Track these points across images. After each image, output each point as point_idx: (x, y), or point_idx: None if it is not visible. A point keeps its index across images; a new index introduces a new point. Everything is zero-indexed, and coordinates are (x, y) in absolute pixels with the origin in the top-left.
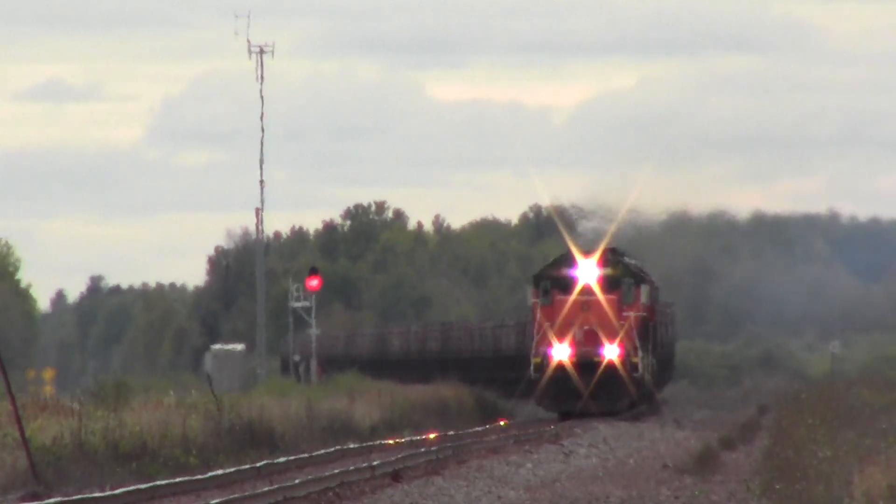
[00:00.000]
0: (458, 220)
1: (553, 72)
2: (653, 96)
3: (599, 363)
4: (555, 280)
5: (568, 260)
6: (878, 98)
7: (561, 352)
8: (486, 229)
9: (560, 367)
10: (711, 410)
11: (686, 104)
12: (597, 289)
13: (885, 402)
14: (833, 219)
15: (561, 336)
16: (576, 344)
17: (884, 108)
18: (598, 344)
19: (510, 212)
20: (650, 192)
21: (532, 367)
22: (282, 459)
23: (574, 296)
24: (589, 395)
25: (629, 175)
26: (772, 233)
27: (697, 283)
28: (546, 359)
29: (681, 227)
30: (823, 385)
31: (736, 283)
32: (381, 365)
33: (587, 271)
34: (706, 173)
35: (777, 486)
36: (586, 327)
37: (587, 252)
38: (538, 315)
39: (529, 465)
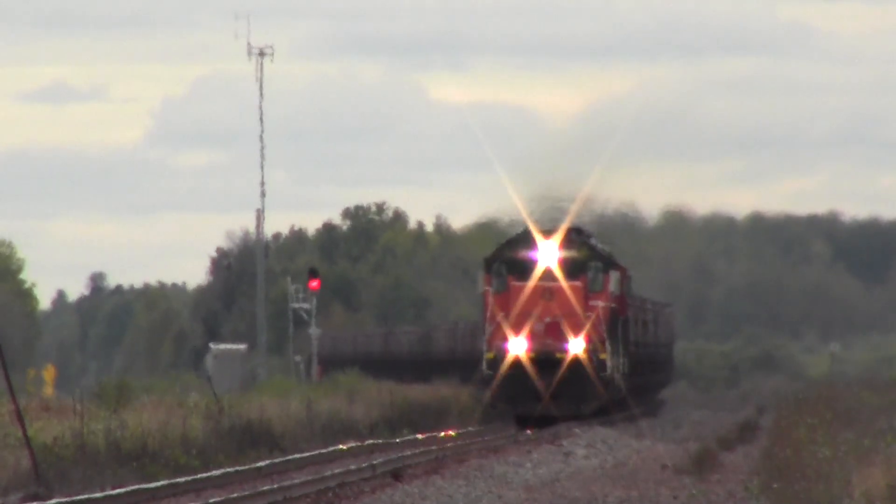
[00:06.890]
0: (458, 221)
1: (554, 73)
2: (654, 97)
3: (562, 359)
4: (510, 263)
5: (525, 240)
6: (878, 98)
7: (517, 346)
8: (486, 230)
9: (516, 364)
10: (710, 411)
11: (687, 105)
12: (559, 273)
13: (884, 402)
14: (833, 219)
15: (517, 328)
16: (535, 337)
17: (884, 108)
18: (561, 337)
19: (509, 213)
20: (649, 192)
21: (484, 364)
22: (280, 459)
23: (533, 282)
24: (550, 396)
25: (621, 171)
26: (772, 233)
27: (697, 283)
28: (501, 354)
29: (680, 227)
30: (823, 386)
31: (735, 283)
32: (426, 365)
33: (548, 253)
34: (706, 174)
35: (776, 486)
36: (547, 318)
37: (548, 232)
38: (490, 304)
39: (529, 465)
